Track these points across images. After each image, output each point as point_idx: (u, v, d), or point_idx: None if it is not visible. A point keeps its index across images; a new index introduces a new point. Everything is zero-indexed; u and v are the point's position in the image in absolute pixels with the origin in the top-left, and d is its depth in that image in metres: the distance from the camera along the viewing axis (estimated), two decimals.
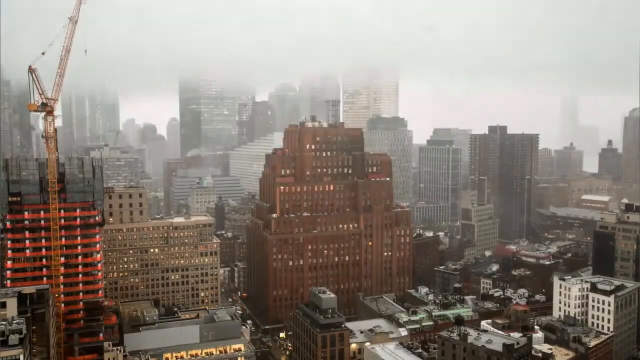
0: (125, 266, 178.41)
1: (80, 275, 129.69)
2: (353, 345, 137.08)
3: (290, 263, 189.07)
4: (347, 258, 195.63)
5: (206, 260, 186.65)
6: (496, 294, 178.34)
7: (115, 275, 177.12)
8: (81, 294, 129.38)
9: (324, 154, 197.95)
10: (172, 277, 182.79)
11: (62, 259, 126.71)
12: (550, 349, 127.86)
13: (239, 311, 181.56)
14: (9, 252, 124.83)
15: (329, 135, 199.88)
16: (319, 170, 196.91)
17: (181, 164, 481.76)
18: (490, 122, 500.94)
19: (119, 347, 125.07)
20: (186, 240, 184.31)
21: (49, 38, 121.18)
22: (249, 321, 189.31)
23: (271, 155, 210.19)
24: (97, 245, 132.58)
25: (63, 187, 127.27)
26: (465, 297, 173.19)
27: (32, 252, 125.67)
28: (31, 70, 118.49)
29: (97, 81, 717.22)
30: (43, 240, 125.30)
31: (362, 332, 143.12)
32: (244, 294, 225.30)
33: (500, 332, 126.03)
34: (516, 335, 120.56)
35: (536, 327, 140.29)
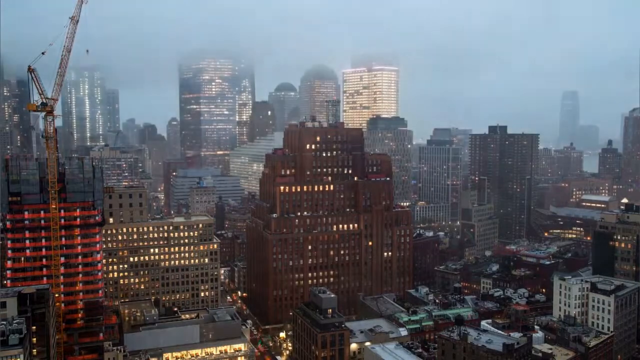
0: (126, 266, 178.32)
1: (80, 275, 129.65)
2: (353, 345, 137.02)
3: (290, 263, 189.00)
4: (347, 258, 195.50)
5: (206, 260, 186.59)
6: (496, 294, 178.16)
7: (115, 275, 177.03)
8: (81, 294, 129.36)
9: (324, 154, 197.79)
10: (172, 277, 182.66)
11: (62, 259, 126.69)
12: (550, 349, 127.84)
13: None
14: (9, 252, 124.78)
15: (329, 135, 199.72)
16: (319, 170, 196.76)
17: (181, 164, 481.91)
18: (490, 122, 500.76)
19: (119, 347, 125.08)
20: (186, 240, 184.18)
21: (49, 38, 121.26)
22: (248, 321, 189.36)
23: (271, 155, 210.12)
24: (97, 245, 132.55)
25: (63, 187, 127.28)
26: (465, 297, 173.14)
27: (32, 252, 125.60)
28: (31, 70, 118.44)
29: (97, 80, 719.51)
30: (43, 240, 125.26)
31: (362, 332, 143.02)
32: (244, 294, 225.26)
33: (500, 332, 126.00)
34: (516, 335, 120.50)
35: (536, 327, 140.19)
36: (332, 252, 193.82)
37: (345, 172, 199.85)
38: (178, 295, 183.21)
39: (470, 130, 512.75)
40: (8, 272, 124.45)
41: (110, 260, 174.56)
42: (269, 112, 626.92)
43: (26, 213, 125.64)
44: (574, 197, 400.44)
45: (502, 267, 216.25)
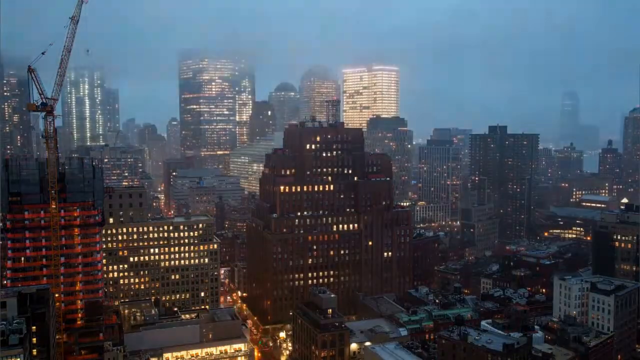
0: (126, 266, 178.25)
1: (80, 275, 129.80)
2: (353, 345, 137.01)
3: (291, 263, 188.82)
4: (347, 258, 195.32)
5: (206, 260, 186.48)
6: (496, 294, 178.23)
7: (115, 275, 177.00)
8: (81, 294, 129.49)
9: (324, 154, 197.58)
10: (172, 277, 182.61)
11: (62, 259, 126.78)
12: (550, 349, 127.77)
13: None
14: (9, 252, 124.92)
15: (329, 135, 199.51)
16: (319, 170, 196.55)
17: (181, 164, 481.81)
18: (491, 122, 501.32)
19: (119, 347, 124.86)
20: (186, 241, 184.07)
21: (50, 38, 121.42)
22: (248, 321, 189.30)
23: (271, 155, 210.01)
24: (97, 245, 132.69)
25: (63, 187, 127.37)
26: (465, 297, 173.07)
27: (32, 252, 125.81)
28: (30, 70, 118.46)
29: (97, 80, 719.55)
30: (43, 240, 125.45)
31: (362, 332, 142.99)
32: (244, 294, 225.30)
33: (500, 332, 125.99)
34: (516, 335, 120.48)
35: (536, 327, 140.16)
36: (332, 252, 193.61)
37: (345, 172, 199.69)
38: (178, 295, 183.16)
39: (470, 130, 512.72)
40: (8, 272, 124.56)
41: (110, 260, 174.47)
42: (269, 112, 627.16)
43: (26, 213, 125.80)
44: (574, 197, 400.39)
45: (502, 267, 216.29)
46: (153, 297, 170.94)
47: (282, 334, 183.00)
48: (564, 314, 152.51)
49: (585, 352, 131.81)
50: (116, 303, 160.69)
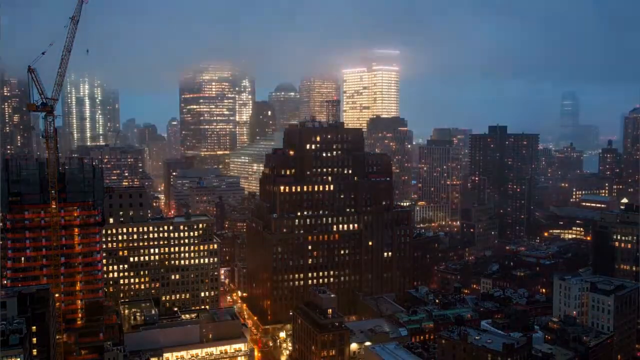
0: (126, 266, 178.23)
1: (80, 275, 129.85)
2: (353, 346, 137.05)
3: (291, 263, 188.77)
4: (347, 258, 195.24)
5: (206, 260, 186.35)
6: (496, 294, 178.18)
7: (115, 275, 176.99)
8: (81, 293, 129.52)
9: (324, 154, 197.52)
10: (172, 277, 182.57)
11: (62, 258, 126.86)
12: (550, 349, 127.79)
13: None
14: (9, 252, 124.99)
15: (329, 135, 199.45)
16: (319, 170, 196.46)
17: (181, 164, 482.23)
18: (490, 122, 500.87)
19: (119, 347, 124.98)
20: (186, 240, 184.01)
21: (50, 37, 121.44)
22: (248, 321, 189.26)
23: (271, 155, 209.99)
24: (97, 245, 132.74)
25: (63, 187, 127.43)
26: (465, 297, 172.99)
27: (32, 252, 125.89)
28: (30, 70, 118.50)
29: (97, 81, 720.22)
30: (43, 240, 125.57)
31: (362, 332, 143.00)
32: (244, 294, 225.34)
33: (500, 332, 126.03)
34: (516, 335, 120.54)
35: (536, 327, 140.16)
36: (332, 252, 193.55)
37: (345, 172, 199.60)
38: (178, 295, 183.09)
39: (470, 130, 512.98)
40: (8, 272, 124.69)
41: (110, 260, 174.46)
42: (269, 112, 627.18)
43: (26, 213, 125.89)
44: (574, 197, 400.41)
45: (502, 267, 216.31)
46: (153, 297, 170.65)
47: (282, 334, 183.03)
48: (564, 314, 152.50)
49: (585, 352, 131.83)
50: (116, 303, 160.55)
